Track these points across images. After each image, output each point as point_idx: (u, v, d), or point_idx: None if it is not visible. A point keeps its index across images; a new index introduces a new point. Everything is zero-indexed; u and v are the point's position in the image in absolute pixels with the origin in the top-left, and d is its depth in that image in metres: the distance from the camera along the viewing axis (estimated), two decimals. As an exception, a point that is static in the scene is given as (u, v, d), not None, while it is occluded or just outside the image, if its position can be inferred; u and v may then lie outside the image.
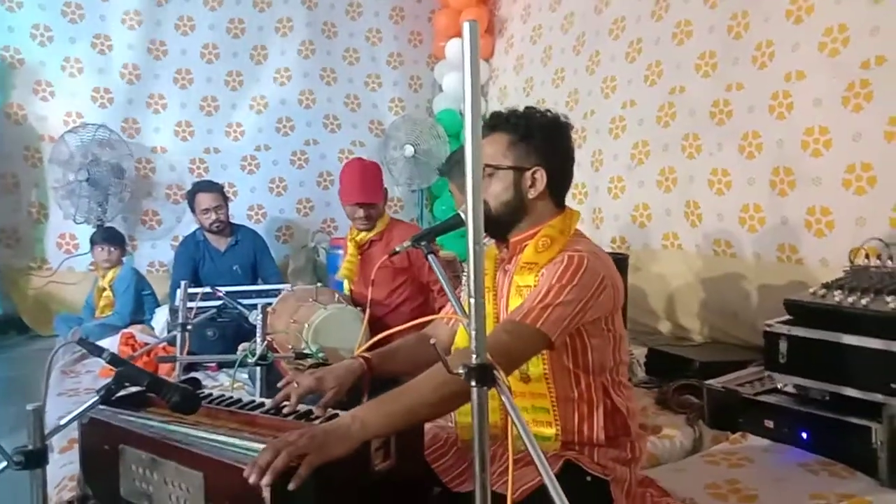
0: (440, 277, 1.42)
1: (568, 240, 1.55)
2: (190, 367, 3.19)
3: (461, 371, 1.13)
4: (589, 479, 1.49)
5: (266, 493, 1.11)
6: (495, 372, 1.14)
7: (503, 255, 1.64)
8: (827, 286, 2.16)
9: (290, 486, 1.12)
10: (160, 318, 4.02)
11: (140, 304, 4.20)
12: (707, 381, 2.42)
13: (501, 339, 1.40)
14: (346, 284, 3.09)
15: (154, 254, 5.16)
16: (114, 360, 1.42)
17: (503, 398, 1.14)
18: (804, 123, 3.11)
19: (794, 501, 1.76)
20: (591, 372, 1.53)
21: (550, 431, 1.52)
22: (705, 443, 2.27)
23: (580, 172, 4.47)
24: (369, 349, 1.74)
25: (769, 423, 2.19)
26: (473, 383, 1.12)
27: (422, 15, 5.71)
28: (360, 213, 2.95)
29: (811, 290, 2.17)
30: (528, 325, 1.41)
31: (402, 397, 1.34)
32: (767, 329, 2.18)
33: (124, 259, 4.39)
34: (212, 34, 5.19)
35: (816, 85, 3.06)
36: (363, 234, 3.01)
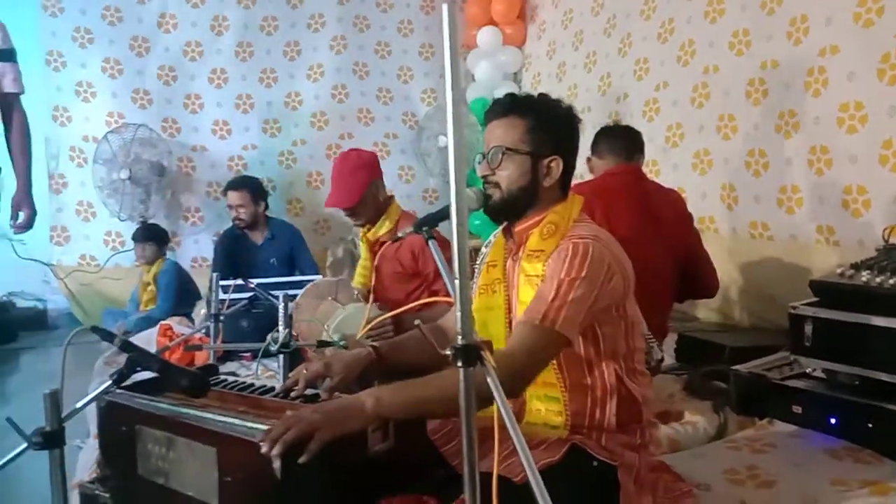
0: (439, 264, 1.43)
1: (570, 225, 1.54)
2: (227, 357, 3.28)
3: (448, 352, 1.14)
4: (595, 463, 1.48)
5: (276, 464, 1.15)
6: (482, 353, 1.14)
7: (510, 244, 1.64)
8: (856, 266, 2.08)
9: (301, 460, 1.16)
10: (200, 310, 4.13)
11: (182, 297, 4.31)
12: (734, 367, 2.36)
13: (523, 344, 1.40)
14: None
15: (197, 249, 5.31)
16: (125, 345, 1.47)
17: (489, 381, 1.14)
18: (839, 99, 3.00)
19: (813, 487, 1.71)
20: (603, 359, 1.52)
21: (560, 420, 1.52)
22: (730, 429, 2.22)
23: (615, 157, 4.41)
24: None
25: (797, 409, 2.12)
26: (459, 364, 1.13)
27: (452, 3, 5.67)
28: (344, 213, 2.83)
29: (839, 271, 2.10)
30: (547, 328, 1.40)
31: (424, 387, 1.36)
32: (792, 311, 2.11)
33: (168, 254, 4.51)
34: (246, 33, 5.30)
35: (851, 58, 2.94)
36: (370, 231, 2.85)
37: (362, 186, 2.80)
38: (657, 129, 4.12)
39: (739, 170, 3.60)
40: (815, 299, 2.13)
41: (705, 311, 3.87)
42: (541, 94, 1.62)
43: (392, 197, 2.99)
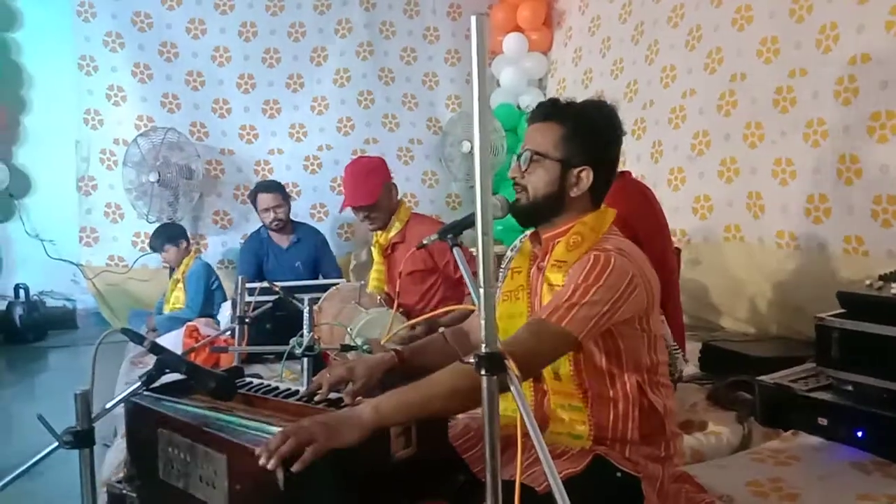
0: (463, 270, 1.42)
1: (598, 238, 1.52)
2: (251, 358, 3.31)
3: (472, 360, 1.14)
4: (619, 475, 1.47)
5: (279, 476, 1.16)
6: (506, 361, 1.14)
7: (536, 251, 1.63)
8: (884, 277, 2.06)
9: (293, 469, 1.16)
10: (225, 312, 4.18)
11: (210, 297, 4.36)
12: (759, 377, 2.34)
13: (525, 338, 1.41)
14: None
15: (224, 251, 5.36)
16: (154, 347, 1.50)
17: (512, 389, 1.14)
18: (870, 108, 2.96)
19: (839, 502, 1.68)
20: (625, 371, 1.50)
21: (583, 429, 1.51)
22: (755, 440, 2.20)
23: (640, 164, 4.39)
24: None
25: (823, 421, 2.10)
26: (483, 372, 1.13)
27: (479, 10, 5.70)
28: (360, 215, 2.92)
29: (867, 283, 2.07)
30: (553, 324, 1.39)
31: (418, 389, 1.36)
32: (819, 322, 2.09)
33: (201, 253, 4.56)
34: (273, 39, 5.36)
35: (883, 67, 2.91)
36: (382, 235, 2.93)
37: (378, 187, 2.89)
38: (683, 136, 4.10)
39: (766, 178, 3.56)
40: (842, 310, 2.11)
41: (730, 320, 3.83)
42: (585, 102, 1.60)
43: (401, 201, 3.04)
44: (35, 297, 5.16)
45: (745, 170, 3.71)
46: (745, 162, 3.71)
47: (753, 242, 3.67)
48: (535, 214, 1.59)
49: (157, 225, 4.88)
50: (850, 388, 2.10)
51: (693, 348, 2.98)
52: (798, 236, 3.40)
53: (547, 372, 1.53)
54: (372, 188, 2.89)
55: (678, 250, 3.37)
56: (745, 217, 3.71)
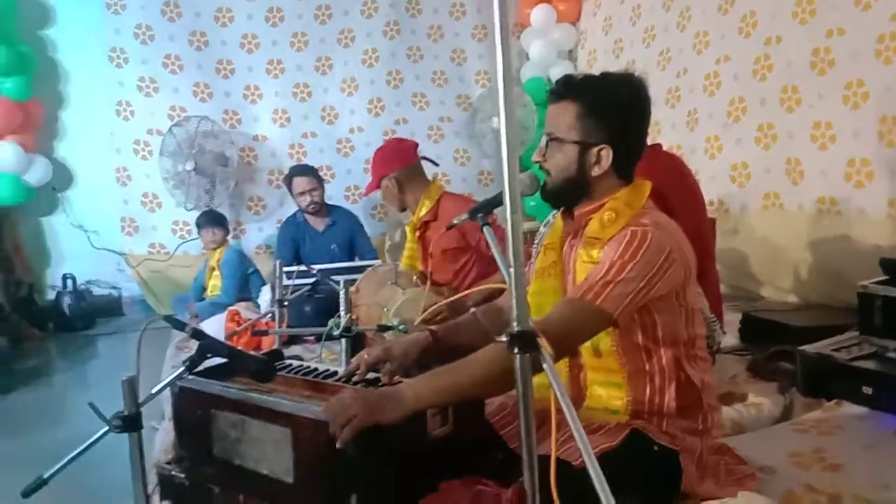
0: (494, 250, 1.43)
1: (635, 213, 1.50)
2: (291, 340, 3.38)
3: (503, 339, 1.15)
4: (657, 448, 1.46)
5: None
6: (539, 340, 1.15)
7: (569, 228, 1.62)
8: (929, 242, 2.00)
9: (338, 446, 1.22)
10: (265, 296, 4.26)
11: (246, 282, 4.44)
12: (800, 347, 2.30)
13: (559, 317, 1.41)
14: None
15: (261, 236, 5.45)
16: (195, 333, 1.54)
17: (545, 367, 1.15)
18: (912, 66, 2.87)
19: (884, 471, 1.65)
20: (661, 346, 1.50)
21: (620, 404, 1.51)
22: (796, 411, 2.17)
23: (675, 133, 4.33)
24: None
25: (867, 390, 2.06)
26: (515, 350, 1.14)
27: (504, -16, 5.63)
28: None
29: (911, 248, 2.02)
30: (588, 303, 1.39)
31: (453, 373, 1.38)
32: (862, 290, 2.05)
33: (230, 239, 4.65)
34: (300, 23, 5.38)
35: (926, 23, 2.81)
36: (415, 215, 2.96)
37: (376, 180, 3.00)
38: (718, 103, 4.02)
39: (805, 143, 3.48)
40: (885, 277, 2.06)
41: (771, 289, 3.77)
42: (602, 75, 1.56)
43: (433, 179, 3.05)
44: (82, 287, 5.30)
45: (783, 135, 3.63)
46: (782, 127, 3.63)
47: (793, 209, 3.60)
48: (562, 197, 1.59)
49: (195, 213, 4.98)
50: (894, 355, 2.06)
51: (733, 319, 2.94)
52: (839, 201, 3.32)
53: (585, 348, 1.53)
54: (372, 182, 3.03)
55: (713, 221, 3.31)
56: (784, 183, 3.63)
